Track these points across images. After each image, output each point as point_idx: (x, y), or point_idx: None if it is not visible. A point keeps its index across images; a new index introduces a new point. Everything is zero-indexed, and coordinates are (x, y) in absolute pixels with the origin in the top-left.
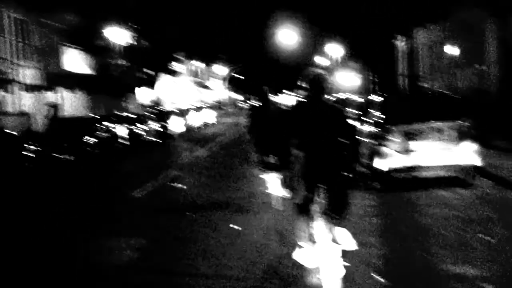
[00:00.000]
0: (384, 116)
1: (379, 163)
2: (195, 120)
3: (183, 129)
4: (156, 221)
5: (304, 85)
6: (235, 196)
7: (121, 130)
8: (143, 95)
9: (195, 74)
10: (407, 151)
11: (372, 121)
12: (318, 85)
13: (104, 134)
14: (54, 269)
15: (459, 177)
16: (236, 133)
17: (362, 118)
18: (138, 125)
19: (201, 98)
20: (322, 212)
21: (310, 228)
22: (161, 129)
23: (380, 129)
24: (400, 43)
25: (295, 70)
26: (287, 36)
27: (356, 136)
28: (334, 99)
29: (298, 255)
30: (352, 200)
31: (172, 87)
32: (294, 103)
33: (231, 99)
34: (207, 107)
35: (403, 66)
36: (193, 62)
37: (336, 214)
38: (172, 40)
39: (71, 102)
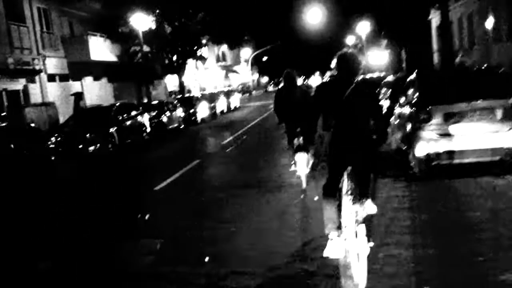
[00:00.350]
0: (421, 95)
1: (416, 148)
2: (222, 105)
3: (210, 114)
4: (173, 215)
5: (333, 65)
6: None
7: (147, 119)
8: (170, 82)
9: (221, 58)
10: (448, 134)
11: (408, 101)
12: (346, 64)
13: (130, 124)
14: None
15: (509, 162)
16: (262, 116)
17: (395, 97)
18: (165, 113)
19: (228, 82)
20: (349, 194)
21: (336, 212)
22: (188, 116)
23: (417, 110)
24: (435, 16)
25: (324, 50)
26: (314, 15)
27: (384, 116)
28: (366, 78)
29: (325, 247)
30: (385, 190)
31: (199, 73)
32: (321, 82)
33: (259, 83)
34: (234, 91)
35: (438, 42)
36: (219, 46)
37: (362, 197)
38: (197, 24)
39: (97, 91)
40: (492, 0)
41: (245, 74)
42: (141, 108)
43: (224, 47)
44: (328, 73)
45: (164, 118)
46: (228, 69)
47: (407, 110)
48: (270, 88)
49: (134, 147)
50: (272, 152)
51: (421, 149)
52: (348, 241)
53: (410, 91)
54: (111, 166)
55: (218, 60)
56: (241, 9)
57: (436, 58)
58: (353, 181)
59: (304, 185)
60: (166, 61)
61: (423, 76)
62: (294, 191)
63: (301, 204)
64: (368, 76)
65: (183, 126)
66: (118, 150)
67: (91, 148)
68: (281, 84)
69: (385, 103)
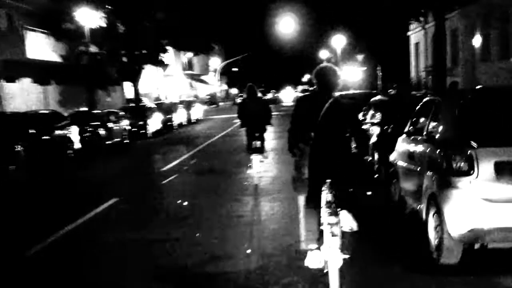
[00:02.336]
0: (454, 129)
1: (450, 219)
2: (181, 117)
3: (165, 128)
4: None
5: (311, 79)
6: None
7: (76, 133)
8: (128, 89)
9: (188, 66)
10: (505, 198)
11: (427, 134)
12: (325, 78)
13: (49, 139)
14: None
15: None
16: (224, 131)
17: (389, 122)
18: (106, 125)
19: (194, 92)
20: (326, 206)
21: (316, 224)
22: (137, 129)
23: (445, 153)
24: (414, 32)
25: (296, 64)
26: (287, 26)
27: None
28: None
29: (306, 258)
30: None
31: (160, 80)
32: (300, 96)
33: (228, 94)
34: (196, 102)
35: (417, 58)
36: (185, 53)
37: (342, 209)
38: (155, 25)
39: (36, 95)
40: (481, 16)
41: (214, 85)
42: (73, 118)
43: (192, 55)
44: (299, 87)
45: (102, 131)
46: (195, 79)
47: (422, 147)
48: (239, 100)
49: (49, 169)
50: (228, 191)
51: (461, 223)
52: (325, 252)
53: (428, 119)
54: None
55: (184, 68)
56: (208, 13)
57: (413, 75)
58: (332, 193)
59: (253, 170)
60: (121, 65)
61: (458, 98)
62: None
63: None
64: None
65: (127, 141)
66: (26, 173)
67: None
68: (244, 95)
69: (374, 129)
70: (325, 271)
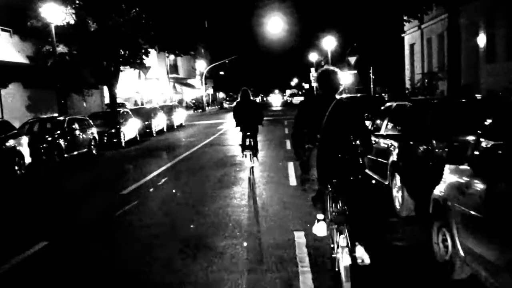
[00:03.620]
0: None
1: None
2: (161, 122)
3: (142, 135)
4: None
5: (312, 82)
6: None
7: (26, 144)
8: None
9: (173, 70)
10: None
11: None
12: (327, 80)
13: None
14: None
15: None
16: (208, 139)
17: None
18: (69, 134)
19: (179, 96)
20: (333, 207)
21: (322, 208)
22: (108, 137)
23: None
24: (410, 32)
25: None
26: (276, 29)
27: (368, 129)
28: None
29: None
30: None
31: (142, 84)
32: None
33: (215, 98)
34: (182, 106)
35: (412, 61)
36: (168, 55)
37: (345, 211)
38: (132, 24)
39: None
40: (487, 12)
41: (200, 89)
42: (28, 128)
43: (178, 58)
44: (288, 92)
45: (62, 142)
46: (181, 82)
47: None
48: (226, 104)
49: None
50: (201, 236)
51: None
52: (338, 255)
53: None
54: None
55: (169, 71)
56: (191, 12)
57: (407, 78)
58: (337, 193)
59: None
60: (97, 67)
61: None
62: None
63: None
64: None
65: (95, 151)
66: None
67: None
68: (239, 99)
69: (390, 144)
70: (336, 269)
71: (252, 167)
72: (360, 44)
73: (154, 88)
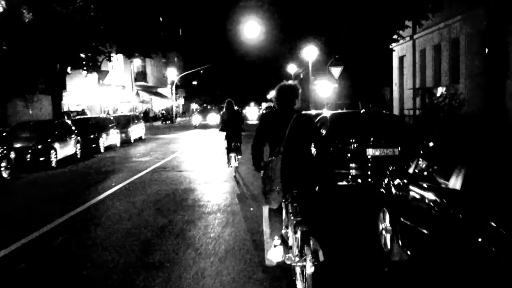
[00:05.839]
0: None
1: None
2: (112, 137)
3: (84, 151)
4: None
5: (270, 96)
6: None
7: None
8: (72, 99)
9: (140, 76)
10: None
11: None
12: (285, 95)
13: None
14: None
15: None
16: (164, 160)
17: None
18: None
19: (147, 106)
20: (293, 216)
21: (280, 225)
22: (33, 156)
23: None
24: (401, 43)
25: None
26: (252, 36)
27: (324, 140)
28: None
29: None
30: None
31: (101, 91)
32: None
33: (188, 108)
34: (134, 118)
35: (402, 75)
36: (131, 60)
37: (307, 220)
38: (77, 15)
39: None
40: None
41: (173, 98)
42: None
43: (147, 65)
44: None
45: None
46: (150, 91)
47: None
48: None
49: None
50: None
51: None
52: (294, 261)
53: None
54: None
55: (136, 79)
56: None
57: (396, 93)
58: (298, 203)
59: (234, 164)
60: (37, 67)
61: None
62: None
63: None
64: (314, 112)
65: (6, 174)
66: None
67: None
68: (224, 109)
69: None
70: (297, 281)
71: (237, 167)
72: (344, 55)
73: (118, 96)
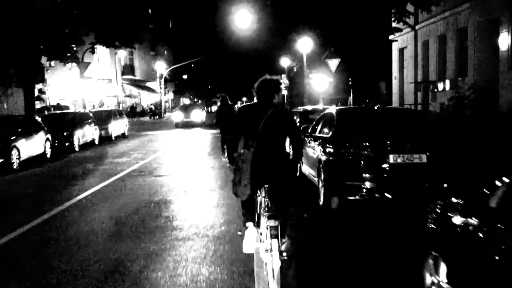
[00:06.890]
0: None
1: None
2: (91, 133)
3: (55, 150)
4: None
5: (254, 89)
6: None
7: None
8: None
9: (127, 69)
10: None
11: None
12: (264, 89)
13: None
14: None
15: None
16: (143, 161)
17: None
18: None
19: (135, 100)
20: (265, 210)
21: (252, 216)
22: None
23: None
24: (401, 34)
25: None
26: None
27: (300, 134)
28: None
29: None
30: None
31: (83, 84)
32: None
33: (178, 103)
34: (116, 113)
35: (402, 68)
36: (116, 51)
37: (277, 215)
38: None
39: None
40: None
41: (163, 93)
42: None
43: (135, 58)
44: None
45: None
46: (138, 85)
47: None
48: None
49: None
50: None
51: None
52: (264, 254)
53: None
54: None
55: (122, 72)
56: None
57: (395, 87)
58: (269, 198)
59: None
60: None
61: None
62: None
63: None
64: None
65: None
66: None
67: None
68: (219, 104)
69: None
70: (264, 272)
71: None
72: (341, 46)
73: (104, 90)
